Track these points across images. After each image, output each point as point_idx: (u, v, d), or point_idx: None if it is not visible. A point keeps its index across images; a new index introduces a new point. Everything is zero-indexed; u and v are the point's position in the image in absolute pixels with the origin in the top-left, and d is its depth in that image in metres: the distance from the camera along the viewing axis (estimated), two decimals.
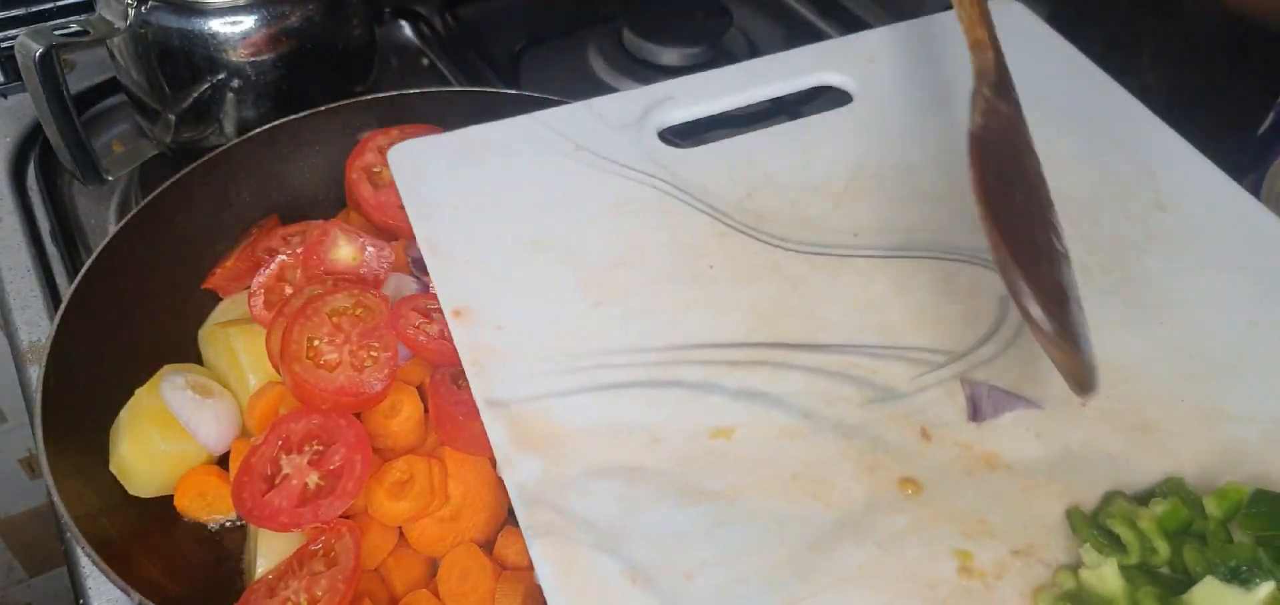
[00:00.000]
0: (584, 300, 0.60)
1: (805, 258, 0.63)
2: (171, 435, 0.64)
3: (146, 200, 0.71)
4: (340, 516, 0.59)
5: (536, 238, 0.63)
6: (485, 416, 0.54)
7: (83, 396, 0.64)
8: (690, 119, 0.72)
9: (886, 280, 0.62)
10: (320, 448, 0.60)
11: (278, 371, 0.65)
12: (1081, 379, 0.51)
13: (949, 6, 0.66)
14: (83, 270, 0.66)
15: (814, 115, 0.73)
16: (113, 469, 0.63)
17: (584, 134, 0.69)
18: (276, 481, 0.59)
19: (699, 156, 0.69)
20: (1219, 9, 0.88)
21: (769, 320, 0.59)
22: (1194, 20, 1.08)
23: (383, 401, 0.63)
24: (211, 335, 0.70)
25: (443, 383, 0.62)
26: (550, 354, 0.57)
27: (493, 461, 0.63)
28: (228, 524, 0.65)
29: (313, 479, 0.59)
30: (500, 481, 0.63)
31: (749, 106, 0.73)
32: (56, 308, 0.80)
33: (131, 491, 0.63)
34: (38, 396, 0.60)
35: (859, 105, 0.74)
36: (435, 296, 0.66)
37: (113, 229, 0.69)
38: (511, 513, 0.64)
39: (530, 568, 0.60)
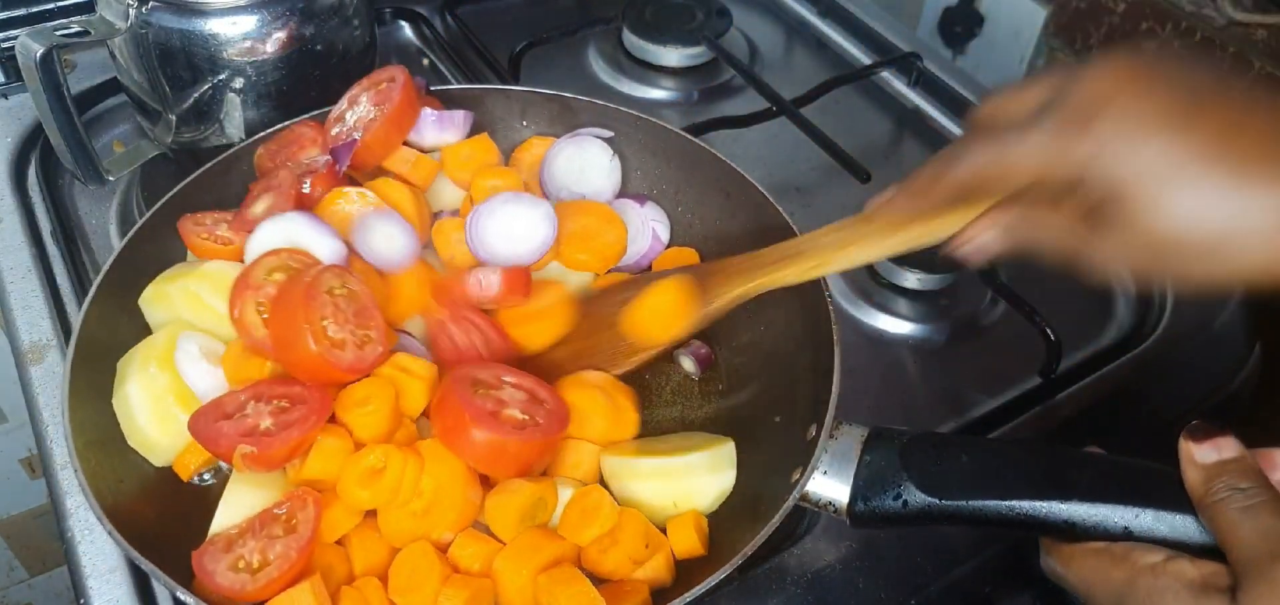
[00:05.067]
0: None
1: None
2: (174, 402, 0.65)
3: (176, 189, 0.73)
4: (312, 487, 0.60)
5: None
6: None
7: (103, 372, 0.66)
8: None
9: None
10: (286, 405, 0.62)
11: (246, 340, 0.65)
12: None
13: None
14: (117, 250, 0.69)
15: None
16: (117, 413, 0.64)
17: None
18: (234, 418, 0.61)
19: None
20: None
21: None
22: (1192, 20, 1.08)
23: (360, 388, 0.64)
24: (158, 294, 0.69)
25: (462, 381, 0.63)
26: None
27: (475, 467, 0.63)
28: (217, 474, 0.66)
29: (266, 423, 0.61)
30: (474, 480, 0.63)
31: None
32: (58, 307, 0.81)
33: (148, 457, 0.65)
34: (69, 359, 0.62)
35: None
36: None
37: (139, 221, 0.71)
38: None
39: (482, 574, 0.61)
